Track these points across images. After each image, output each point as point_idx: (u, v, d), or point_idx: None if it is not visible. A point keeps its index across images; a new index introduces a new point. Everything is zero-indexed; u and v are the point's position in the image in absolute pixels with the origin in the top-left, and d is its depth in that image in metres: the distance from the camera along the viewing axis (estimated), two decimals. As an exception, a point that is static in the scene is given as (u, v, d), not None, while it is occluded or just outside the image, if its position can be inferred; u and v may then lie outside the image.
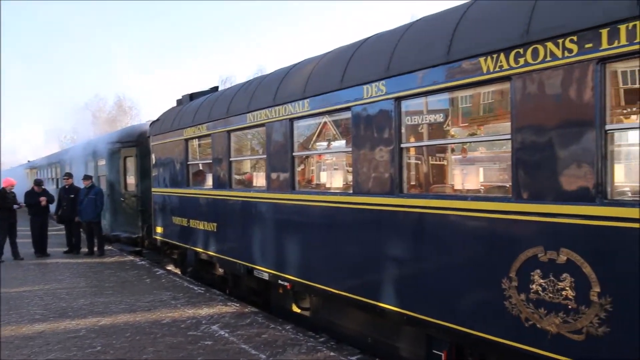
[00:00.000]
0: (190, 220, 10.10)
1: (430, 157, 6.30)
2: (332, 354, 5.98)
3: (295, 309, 7.64)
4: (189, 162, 10.37)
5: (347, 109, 5.94)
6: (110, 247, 15.18)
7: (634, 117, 4.53)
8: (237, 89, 9.06)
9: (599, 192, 3.68)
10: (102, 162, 16.67)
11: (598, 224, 3.68)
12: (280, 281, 7.29)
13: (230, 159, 8.65)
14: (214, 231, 9.16)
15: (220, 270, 9.79)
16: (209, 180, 9.69)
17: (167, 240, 11.60)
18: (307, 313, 7.53)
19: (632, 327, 3.51)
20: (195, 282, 10.24)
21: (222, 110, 8.87)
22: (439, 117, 5.54)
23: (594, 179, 3.70)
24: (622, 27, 3.50)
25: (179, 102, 12.01)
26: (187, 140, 10.30)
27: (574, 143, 3.81)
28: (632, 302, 3.51)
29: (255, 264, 7.87)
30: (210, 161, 9.31)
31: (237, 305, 8.29)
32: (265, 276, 7.62)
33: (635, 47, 3.44)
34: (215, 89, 11.58)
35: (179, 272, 11.94)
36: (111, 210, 15.52)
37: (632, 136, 4.80)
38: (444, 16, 5.24)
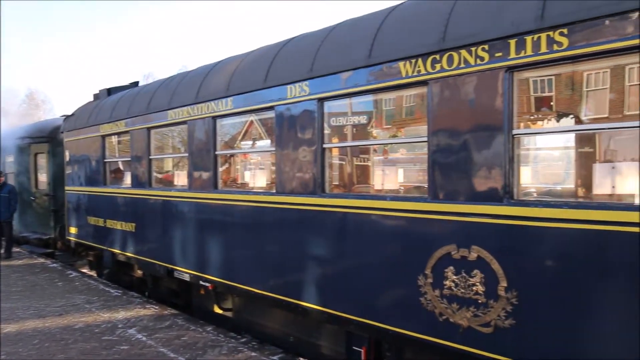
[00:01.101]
0: (107, 221, 9.68)
1: (353, 158, 6.42)
2: (253, 354, 5.95)
3: (218, 310, 7.53)
4: (106, 160, 9.94)
5: (271, 108, 5.93)
6: (18, 249, 14.24)
7: (540, 122, 4.86)
8: (159, 84, 8.79)
9: (507, 193, 3.90)
10: (10, 159, 15.61)
11: (505, 222, 3.91)
12: (201, 282, 7.15)
13: (150, 157, 8.37)
14: (133, 231, 8.84)
15: (139, 272, 9.46)
16: (128, 179, 9.34)
17: (82, 241, 11.05)
18: (229, 314, 7.44)
19: (534, 318, 3.76)
20: (112, 285, 9.82)
21: (142, 106, 8.57)
22: (363, 119, 5.66)
23: (502, 180, 3.92)
24: (529, 39, 3.74)
25: (96, 96, 11.48)
26: (104, 136, 9.86)
27: (484, 146, 4.03)
28: (535, 295, 3.76)
29: (176, 264, 7.67)
30: (129, 159, 8.97)
31: (156, 307, 8.05)
32: (186, 277, 7.45)
33: (539, 57, 3.69)
34: (136, 84, 11.17)
35: (95, 275, 11.41)
36: (19, 210, 14.58)
37: (538, 140, 5.14)
38: (366, 20, 5.35)
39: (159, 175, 9.09)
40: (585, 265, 3.53)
